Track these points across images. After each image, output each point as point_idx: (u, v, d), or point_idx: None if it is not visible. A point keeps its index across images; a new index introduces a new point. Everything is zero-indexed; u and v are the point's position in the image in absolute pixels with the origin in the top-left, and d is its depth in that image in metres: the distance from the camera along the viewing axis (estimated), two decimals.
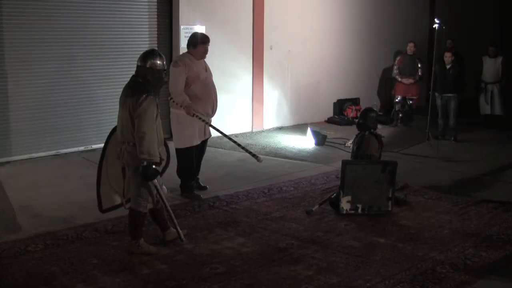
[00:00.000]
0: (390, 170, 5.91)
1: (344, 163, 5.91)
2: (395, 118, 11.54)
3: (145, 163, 4.57)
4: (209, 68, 6.44)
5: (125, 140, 4.71)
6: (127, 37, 8.87)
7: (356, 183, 5.87)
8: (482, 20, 15.21)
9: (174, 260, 4.72)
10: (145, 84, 4.73)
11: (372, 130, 6.33)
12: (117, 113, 4.85)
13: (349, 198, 5.87)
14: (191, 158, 6.33)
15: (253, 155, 6.07)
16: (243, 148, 6.26)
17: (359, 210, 5.89)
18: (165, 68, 4.92)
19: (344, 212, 5.87)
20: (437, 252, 4.97)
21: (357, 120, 6.71)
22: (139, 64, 4.81)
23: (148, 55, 4.83)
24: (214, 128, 6.24)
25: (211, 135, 6.62)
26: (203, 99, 6.22)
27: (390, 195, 5.94)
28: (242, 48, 10.21)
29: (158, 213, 5.01)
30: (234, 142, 6.31)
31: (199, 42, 6.23)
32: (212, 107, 6.36)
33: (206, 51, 6.30)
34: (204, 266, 4.60)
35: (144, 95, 4.60)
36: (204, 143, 6.52)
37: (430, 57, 12.33)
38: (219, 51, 9.39)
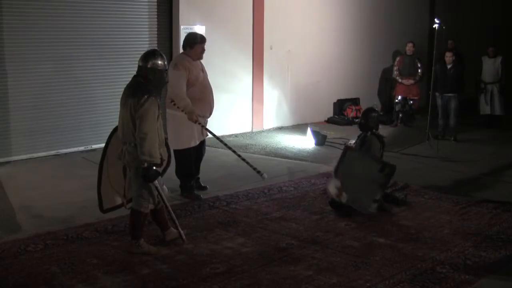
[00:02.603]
0: (387, 173, 5.84)
1: (346, 147, 5.88)
2: (395, 118, 11.55)
3: (146, 165, 4.57)
4: (205, 69, 6.41)
5: (126, 141, 4.70)
6: (127, 37, 8.87)
7: (350, 171, 5.82)
8: (482, 20, 15.21)
9: (174, 260, 4.71)
10: (147, 84, 4.73)
11: (374, 130, 6.33)
12: (117, 113, 4.85)
13: (338, 183, 5.82)
14: (190, 158, 6.32)
15: (258, 172, 5.99)
16: (242, 159, 6.18)
17: (343, 200, 5.79)
18: (167, 68, 4.92)
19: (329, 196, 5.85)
20: (437, 252, 4.96)
21: (358, 121, 6.70)
22: (140, 64, 4.81)
23: (149, 55, 4.83)
24: (212, 133, 6.21)
25: (208, 134, 6.61)
26: (202, 100, 6.20)
27: (377, 198, 5.79)
28: (242, 48, 10.21)
29: (158, 213, 5.01)
30: (233, 151, 6.25)
31: (197, 42, 6.18)
32: (210, 109, 6.34)
33: (203, 51, 6.26)
34: (204, 266, 4.59)
35: (145, 96, 4.59)
36: (202, 144, 6.50)
37: (430, 57, 12.32)
38: (219, 51, 9.39)
